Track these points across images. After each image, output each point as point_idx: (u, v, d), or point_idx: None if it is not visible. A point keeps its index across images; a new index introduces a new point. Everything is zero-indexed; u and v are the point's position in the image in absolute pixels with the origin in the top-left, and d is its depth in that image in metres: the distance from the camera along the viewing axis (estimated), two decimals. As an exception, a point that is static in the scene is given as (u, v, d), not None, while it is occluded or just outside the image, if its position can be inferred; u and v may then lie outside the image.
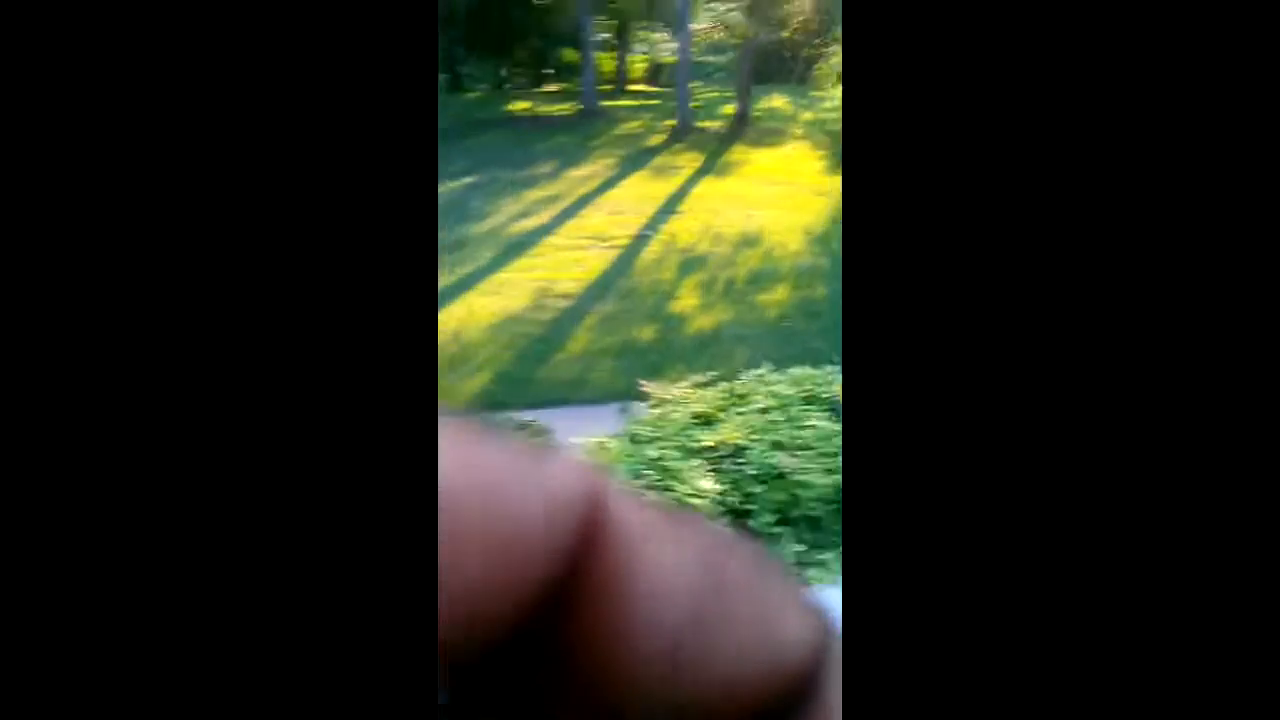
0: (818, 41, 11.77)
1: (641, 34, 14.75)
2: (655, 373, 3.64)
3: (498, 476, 0.07)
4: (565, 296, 5.38)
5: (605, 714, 0.07)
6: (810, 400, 3.16)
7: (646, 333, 4.89)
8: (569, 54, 12.26)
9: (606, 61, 13.29)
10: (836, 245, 6.24)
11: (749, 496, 2.54)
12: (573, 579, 0.07)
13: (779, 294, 5.41)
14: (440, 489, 0.07)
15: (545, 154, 8.66)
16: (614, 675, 0.07)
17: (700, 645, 0.07)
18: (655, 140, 9.69)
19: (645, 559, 0.08)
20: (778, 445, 2.79)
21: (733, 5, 10.85)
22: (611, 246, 6.30)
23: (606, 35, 13.41)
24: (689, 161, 8.61)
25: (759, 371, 3.34)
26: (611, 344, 4.73)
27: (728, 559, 0.08)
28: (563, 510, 0.08)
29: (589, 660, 0.08)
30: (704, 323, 5.02)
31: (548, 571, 0.07)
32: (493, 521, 0.07)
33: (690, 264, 5.93)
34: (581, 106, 10.91)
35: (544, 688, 0.08)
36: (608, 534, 0.08)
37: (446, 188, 6.92)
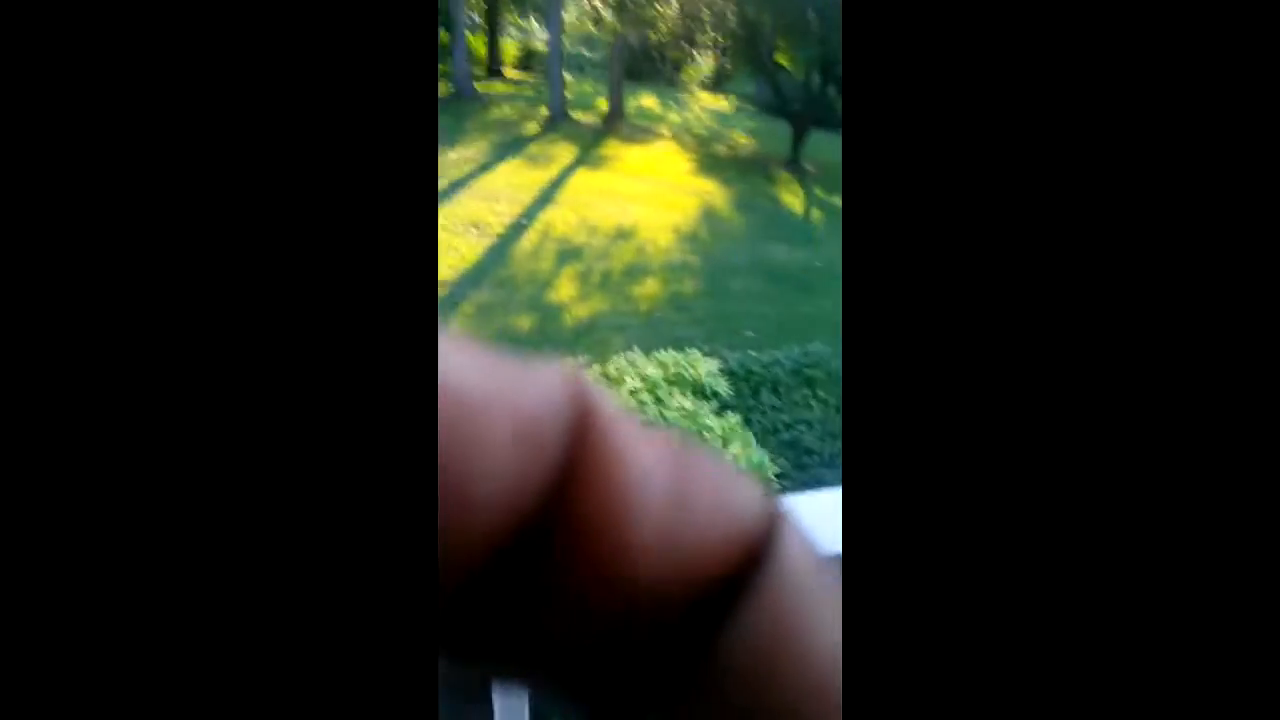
0: (685, 45, 12.33)
1: (512, 18, 14.60)
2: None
3: (500, 378, 0.08)
4: (441, 284, 5.37)
5: (605, 604, 0.08)
6: (675, 381, 3.50)
7: (524, 322, 5.03)
8: (439, 34, 11.90)
9: (477, 44, 13.04)
10: (704, 244, 6.70)
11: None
12: (573, 468, 0.09)
13: (650, 287, 5.74)
14: (448, 394, 0.08)
15: (416, 136, 8.39)
16: (614, 560, 0.08)
17: (676, 521, 0.09)
18: (530, 129, 9.72)
19: (631, 448, 0.09)
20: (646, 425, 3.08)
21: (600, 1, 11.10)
22: (486, 235, 6.34)
23: (476, 17, 13.14)
24: (563, 152, 8.75)
25: (629, 355, 3.63)
26: (489, 333, 4.82)
27: (684, 446, 0.09)
28: (559, 405, 0.09)
29: (593, 544, 0.08)
30: (581, 312, 5.25)
31: (554, 457, 0.08)
32: (501, 416, 0.08)
33: (567, 255, 6.12)
34: (453, 89, 10.67)
35: (548, 583, 0.08)
36: (598, 427, 0.09)
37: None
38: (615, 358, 3.66)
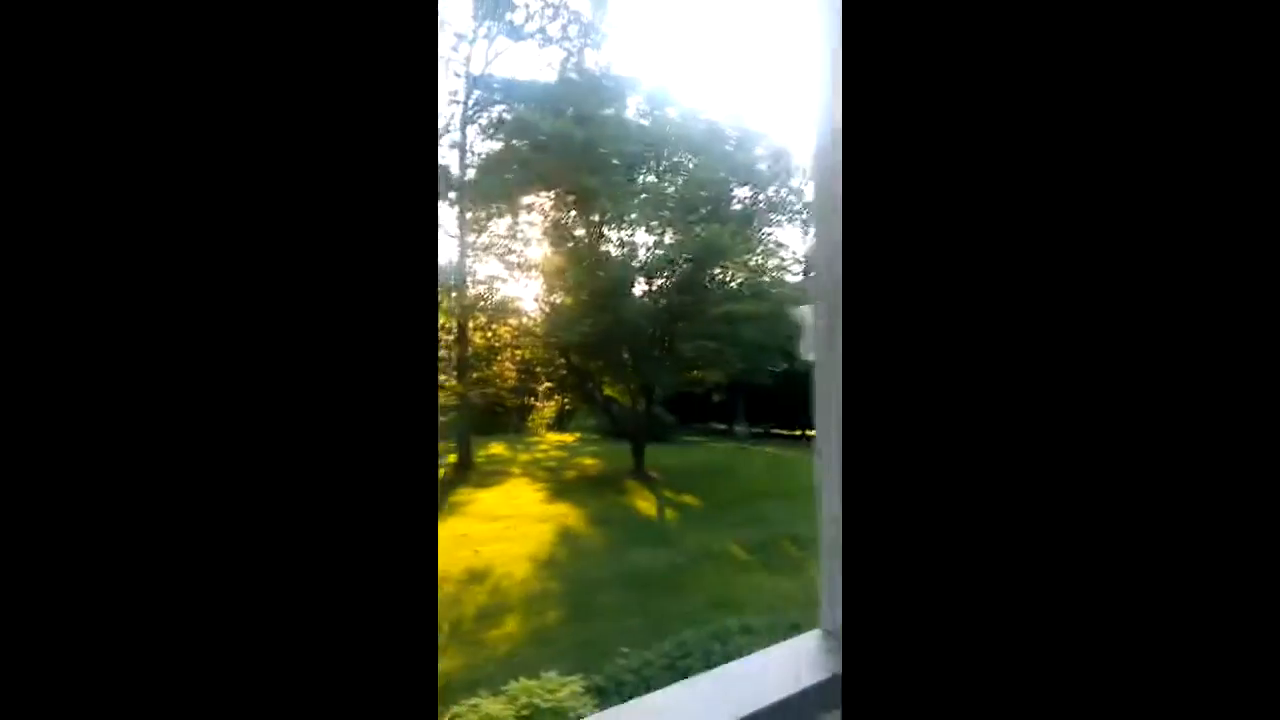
0: (526, 396, 13.46)
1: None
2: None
3: None
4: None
5: None
6: (532, 715, 2.91)
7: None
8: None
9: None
10: (563, 567, 6.37)
11: None
12: None
13: (509, 625, 5.19)
14: None
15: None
16: None
17: None
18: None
19: None
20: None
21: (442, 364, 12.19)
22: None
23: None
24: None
25: (473, 702, 3.04)
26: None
27: None
28: None
29: None
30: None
31: None
32: None
33: (412, 613, 5.47)
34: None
35: None
36: None
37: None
38: (454, 707, 3.04)
